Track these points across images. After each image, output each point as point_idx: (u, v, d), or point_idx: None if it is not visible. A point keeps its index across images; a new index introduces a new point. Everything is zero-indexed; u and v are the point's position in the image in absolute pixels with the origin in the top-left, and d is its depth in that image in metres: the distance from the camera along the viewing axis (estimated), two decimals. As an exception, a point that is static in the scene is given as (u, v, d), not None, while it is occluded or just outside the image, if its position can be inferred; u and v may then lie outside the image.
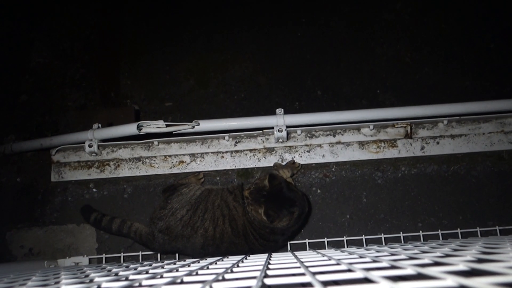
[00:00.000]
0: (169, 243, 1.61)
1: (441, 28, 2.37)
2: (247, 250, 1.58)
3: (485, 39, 2.33)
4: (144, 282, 0.68)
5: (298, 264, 0.79)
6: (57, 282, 0.81)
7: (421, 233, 1.76)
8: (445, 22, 2.39)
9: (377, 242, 1.78)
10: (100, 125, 1.89)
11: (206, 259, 1.29)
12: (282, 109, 1.85)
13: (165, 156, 1.95)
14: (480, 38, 2.34)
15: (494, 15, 2.38)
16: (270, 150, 1.94)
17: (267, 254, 1.21)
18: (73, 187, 2.00)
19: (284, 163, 1.90)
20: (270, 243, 1.60)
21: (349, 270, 0.64)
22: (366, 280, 0.56)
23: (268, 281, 0.59)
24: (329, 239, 1.79)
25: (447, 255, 0.76)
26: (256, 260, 1.00)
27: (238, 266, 0.87)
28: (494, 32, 2.34)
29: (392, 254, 0.88)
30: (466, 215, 1.90)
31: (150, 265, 1.15)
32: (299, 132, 1.91)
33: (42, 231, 1.95)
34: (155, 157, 1.95)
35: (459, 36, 2.34)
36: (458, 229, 1.76)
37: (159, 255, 1.78)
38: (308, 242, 1.78)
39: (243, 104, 2.25)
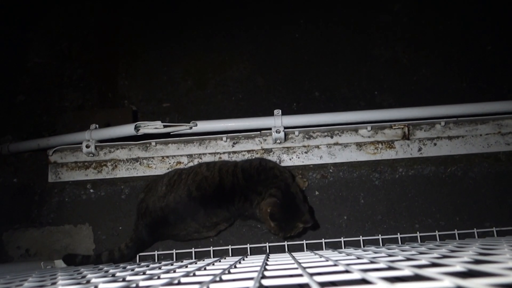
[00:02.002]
0: (151, 221, 1.63)
1: (439, 30, 2.38)
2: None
3: (482, 41, 2.34)
4: (141, 283, 0.68)
5: (295, 265, 0.79)
6: (54, 283, 0.81)
7: (418, 234, 1.77)
8: (442, 24, 2.39)
9: (375, 243, 1.78)
10: (97, 125, 1.89)
11: (203, 260, 1.29)
12: (280, 110, 1.85)
13: (163, 157, 1.94)
14: (477, 40, 2.34)
15: (491, 17, 2.39)
16: (268, 151, 1.94)
17: (264, 255, 1.21)
18: (70, 188, 1.99)
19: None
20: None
21: (347, 271, 0.64)
22: (364, 281, 0.56)
23: (265, 282, 0.59)
24: (326, 240, 1.79)
25: (444, 256, 0.76)
26: (254, 261, 1.00)
27: (235, 267, 0.87)
28: (492, 34, 2.35)
29: (390, 255, 0.88)
30: (463, 216, 1.90)
31: (147, 266, 1.15)
32: (296, 133, 1.91)
33: (39, 232, 1.95)
34: (152, 157, 1.95)
35: (457, 38, 2.35)
36: (455, 230, 1.76)
37: (156, 256, 1.78)
38: (306, 243, 1.78)
39: (241, 105, 2.25)
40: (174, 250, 1.77)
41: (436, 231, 1.76)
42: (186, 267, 0.99)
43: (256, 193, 1.55)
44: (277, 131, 1.83)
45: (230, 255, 1.78)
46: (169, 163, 1.94)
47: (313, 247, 1.82)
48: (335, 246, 1.81)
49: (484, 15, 2.40)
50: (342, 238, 1.78)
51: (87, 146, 1.86)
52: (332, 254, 1.05)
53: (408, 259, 0.78)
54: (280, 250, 1.83)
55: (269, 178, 1.57)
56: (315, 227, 1.85)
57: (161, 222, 1.63)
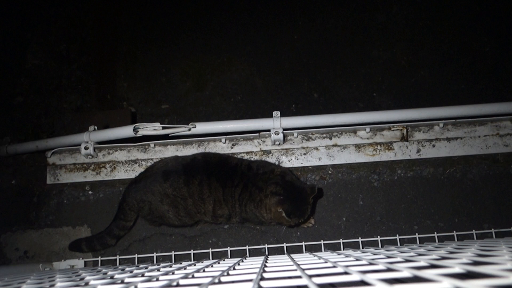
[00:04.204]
0: (143, 175, 1.70)
1: (437, 32, 2.39)
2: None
3: (480, 43, 2.35)
4: (140, 285, 0.68)
5: (294, 267, 0.79)
6: (52, 285, 0.81)
7: (417, 236, 1.77)
8: (440, 26, 2.40)
9: (374, 244, 1.78)
10: (96, 127, 1.89)
11: (202, 262, 1.29)
12: (279, 112, 1.85)
13: (162, 159, 1.94)
14: (475, 41, 2.35)
15: (489, 19, 2.40)
16: (267, 152, 1.94)
17: (263, 257, 1.20)
18: (68, 190, 1.99)
19: None
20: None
21: (346, 273, 0.64)
22: (362, 283, 0.56)
23: (264, 284, 0.59)
24: (325, 242, 1.79)
25: (443, 258, 0.76)
26: (253, 263, 1.00)
27: (234, 268, 0.87)
28: (489, 35, 2.35)
29: (388, 257, 0.88)
30: (461, 217, 1.90)
31: (146, 268, 1.15)
32: (295, 134, 1.92)
33: (37, 233, 1.94)
34: (151, 159, 1.94)
35: (455, 40, 2.36)
36: (454, 231, 1.76)
37: (155, 257, 1.78)
38: (305, 245, 1.78)
39: (240, 106, 2.25)
40: (173, 252, 1.77)
41: (435, 233, 1.76)
42: (185, 269, 0.99)
43: (256, 187, 1.60)
44: (276, 133, 1.83)
45: (229, 256, 1.78)
46: (168, 165, 1.93)
47: (312, 249, 1.82)
48: (334, 248, 1.81)
49: (482, 16, 2.40)
50: (341, 239, 1.78)
51: (86, 148, 1.85)
52: (331, 256, 1.05)
53: (407, 261, 0.77)
54: (279, 251, 1.83)
55: (266, 173, 1.64)
56: (321, 194, 1.91)
57: (154, 177, 1.66)
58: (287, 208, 1.52)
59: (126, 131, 1.77)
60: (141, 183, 1.68)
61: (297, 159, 1.93)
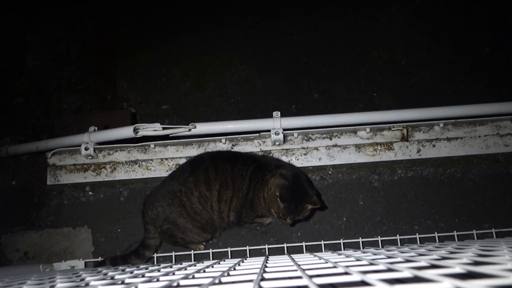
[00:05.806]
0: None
1: (437, 32, 2.39)
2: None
3: (480, 43, 2.35)
4: (140, 286, 0.68)
5: (295, 267, 0.79)
6: (53, 286, 0.81)
7: (417, 236, 1.77)
8: (440, 26, 2.40)
9: (374, 245, 1.78)
10: (96, 128, 1.89)
11: (202, 262, 1.29)
12: (279, 112, 1.85)
13: (162, 159, 1.94)
14: (475, 41, 2.35)
15: (489, 19, 2.40)
16: (267, 153, 1.94)
17: (264, 257, 1.20)
18: (69, 190, 1.99)
19: None
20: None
21: (346, 273, 0.64)
22: (363, 283, 0.56)
23: (264, 285, 0.59)
24: (325, 242, 1.79)
25: (444, 258, 0.76)
26: (253, 263, 1.00)
27: (234, 269, 0.86)
28: (489, 36, 2.36)
29: (389, 257, 0.88)
30: (462, 217, 1.90)
31: (146, 268, 1.15)
32: (295, 135, 1.92)
33: (37, 234, 1.94)
34: (151, 160, 1.94)
35: (455, 40, 2.36)
36: (455, 231, 1.76)
37: (155, 258, 1.78)
38: (305, 245, 1.78)
39: (240, 107, 2.25)
40: (173, 252, 1.77)
41: (435, 233, 1.76)
42: (185, 269, 0.99)
43: (267, 170, 1.61)
44: (276, 133, 1.83)
45: (229, 257, 1.78)
46: (168, 165, 1.93)
47: (312, 249, 1.82)
48: (334, 248, 1.81)
49: (482, 16, 2.40)
50: (341, 240, 1.78)
51: (86, 149, 1.85)
52: (332, 256, 1.05)
53: (408, 261, 0.77)
54: (279, 252, 1.83)
55: (281, 161, 1.73)
56: (323, 208, 1.88)
57: (162, 182, 1.71)
58: (284, 194, 1.48)
59: (126, 131, 1.77)
60: (152, 192, 1.70)
61: (297, 160, 1.93)
